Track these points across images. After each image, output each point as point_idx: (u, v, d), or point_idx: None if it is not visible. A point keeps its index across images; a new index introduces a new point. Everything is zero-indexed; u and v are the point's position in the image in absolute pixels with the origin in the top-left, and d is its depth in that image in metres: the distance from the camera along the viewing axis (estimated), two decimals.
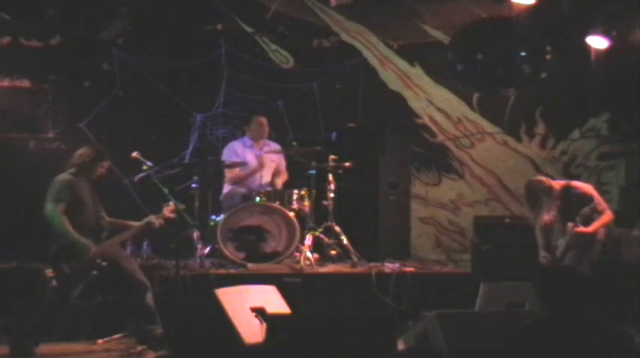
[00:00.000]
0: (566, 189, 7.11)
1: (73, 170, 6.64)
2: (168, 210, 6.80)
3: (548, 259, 7.09)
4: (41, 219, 6.55)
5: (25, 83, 8.98)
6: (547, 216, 7.05)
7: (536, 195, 7.08)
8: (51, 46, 8.99)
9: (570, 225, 6.94)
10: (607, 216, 7.05)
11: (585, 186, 7.23)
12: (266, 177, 8.49)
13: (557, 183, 7.20)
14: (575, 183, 7.28)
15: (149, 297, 6.61)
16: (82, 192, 6.59)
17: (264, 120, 8.55)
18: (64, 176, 6.61)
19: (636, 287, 7.53)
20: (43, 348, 6.46)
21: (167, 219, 6.81)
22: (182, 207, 6.67)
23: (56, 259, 6.42)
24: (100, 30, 8.67)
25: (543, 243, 7.19)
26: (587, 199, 7.00)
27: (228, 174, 8.46)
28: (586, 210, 6.90)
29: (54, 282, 6.91)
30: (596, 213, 6.99)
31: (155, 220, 6.74)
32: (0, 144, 8.67)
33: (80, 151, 6.71)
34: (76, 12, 8.58)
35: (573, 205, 6.99)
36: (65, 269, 6.38)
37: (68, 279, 6.42)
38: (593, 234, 6.97)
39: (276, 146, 8.64)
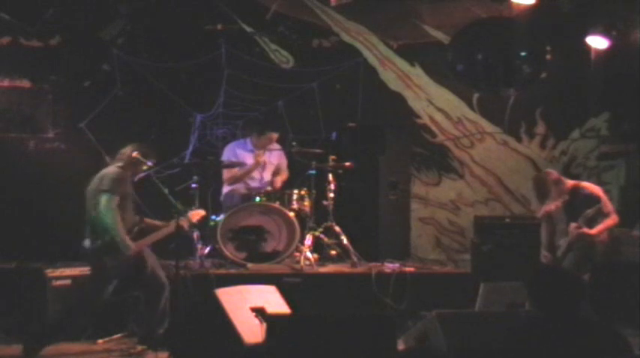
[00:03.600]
0: (575, 189, 7.09)
1: (120, 164, 6.57)
2: (195, 215, 6.89)
3: (549, 259, 7.09)
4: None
5: (25, 83, 8.98)
6: (551, 206, 7.02)
7: (545, 187, 7.05)
8: (51, 46, 8.98)
9: (573, 225, 6.92)
10: (612, 219, 7.02)
11: (594, 188, 7.21)
12: (266, 176, 8.49)
13: (568, 182, 7.18)
14: (585, 184, 7.26)
15: (165, 297, 6.59)
16: (128, 188, 6.56)
17: (275, 136, 8.48)
18: (114, 169, 6.53)
19: (636, 287, 7.53)
20: None
21: (192, 225, 6.89)
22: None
23: (100, 254, 6.40)
24: (100, 30, 8.67)
25: (546, 241, 7.18)
26: (594, 200, 6.97)
27: (226, 174, 8.44)
28: (589, 211, 6.87)
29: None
30: (601, 215, 6.95)
31: (185, 223, 6.69)
32: (0, 144, 8.68)
33: (129, 147, 6.64)
34: (76, 12, 8.58)
35: (579, 205, 6.96)
36: (108, 263, 6.36)
37: (107, 275, 6.41)
38: (595, 236, 6.96)
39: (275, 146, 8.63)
